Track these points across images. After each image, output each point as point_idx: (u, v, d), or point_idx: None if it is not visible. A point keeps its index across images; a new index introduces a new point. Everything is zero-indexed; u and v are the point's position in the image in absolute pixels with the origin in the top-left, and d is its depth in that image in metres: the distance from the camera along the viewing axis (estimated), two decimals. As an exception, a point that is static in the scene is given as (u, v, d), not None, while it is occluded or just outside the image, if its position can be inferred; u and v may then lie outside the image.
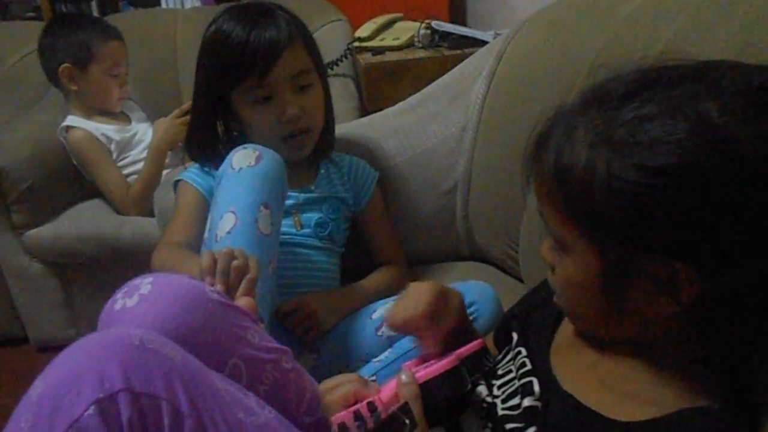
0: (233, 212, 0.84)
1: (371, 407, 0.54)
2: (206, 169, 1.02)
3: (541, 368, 0.56)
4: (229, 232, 0.82)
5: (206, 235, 0.89)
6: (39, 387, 0.52)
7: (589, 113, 0.48)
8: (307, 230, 1.02)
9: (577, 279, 0.50)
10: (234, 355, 0.65)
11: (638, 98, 0.46)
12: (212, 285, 0.71)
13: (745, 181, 0.42)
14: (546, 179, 0.50)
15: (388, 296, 0.99)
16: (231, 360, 0.64)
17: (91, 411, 0.50)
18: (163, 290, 0.63)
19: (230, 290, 0.73)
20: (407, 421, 0.52)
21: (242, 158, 0.88)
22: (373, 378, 0.83)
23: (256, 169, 0.87)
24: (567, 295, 0.54)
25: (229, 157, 0.90)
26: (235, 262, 0.73)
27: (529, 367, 0.57)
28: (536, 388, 0.54)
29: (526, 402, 0.53)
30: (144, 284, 0.63)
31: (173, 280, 0.65)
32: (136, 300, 0.62)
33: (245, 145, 0.91)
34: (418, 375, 0.56)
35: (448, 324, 0.63)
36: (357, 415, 0.55)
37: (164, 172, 1.57)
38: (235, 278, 0.73)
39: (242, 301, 0.71)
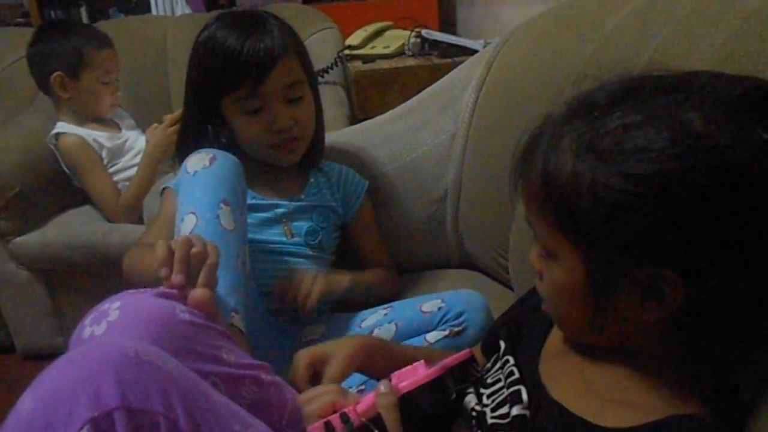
0: (193, 213, 0.83)
1: (344, 418, 0.54)
2: None
3: (530, 376, 0.56)
4: (191, 232, 0.82)
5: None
6: (29, 402, 0.50)
7: (575, 122, 0.48)
8: (297, 239, 1.02)
9: (564, 285, 0.51)
10: (210, 375, 0.63)
11: (623, 107, 0.46)
12: (168, 277, 0.69)
13: (727, 188, 0.43)
14: (533, 187, 0.50)
15: (380, 294, 1.00)
16: (207, 379, 0.62)
17: (86, 430, 0.48)
18: (131, 317, 0.61)
19: (191, 279, 0.70)
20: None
21: (196, 162, 0.88)
22: (362, 387, 0.83)
23: (210, 170, 0.87)
24: (554, 301, 0.54)
25: (183, 163, 0.90)
26: (193, 249, 0.71)
27: (517, 375, 0.57)
28: (524, 396, 0.54)
29: (515, 411, 0.53)
30: (112, 310, 0.62)
31: (141, 304, 0.63)
32: (104, 328, 0.61)
33: (198, 150, 0.91)
34: (402, 385, 0.56)
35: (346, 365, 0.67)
36: (328, 427, 0.55)
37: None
38: (195, 265, 0.71)
39: (196, 293, 0.69)
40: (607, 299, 0.48)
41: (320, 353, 0.69)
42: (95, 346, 0.54)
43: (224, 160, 0.89)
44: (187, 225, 0.83)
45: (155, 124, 1.58)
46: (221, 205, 0.84)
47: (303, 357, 0.69)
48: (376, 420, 0.54)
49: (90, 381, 0.49)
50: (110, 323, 0.61)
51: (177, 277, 0.69)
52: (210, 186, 0.86)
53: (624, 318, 0.48)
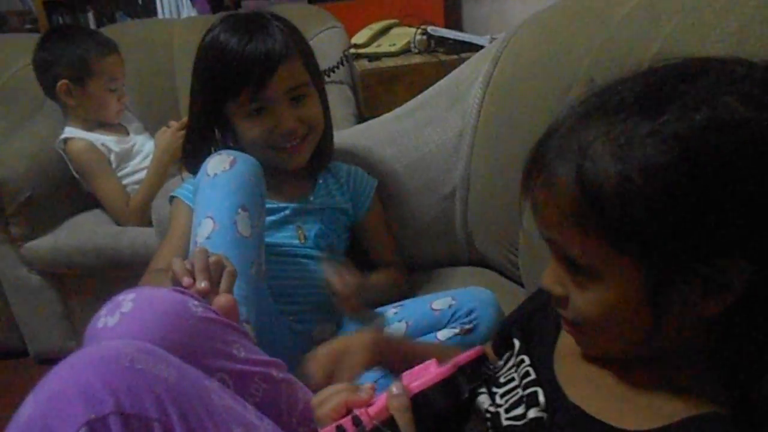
0: (211, 217, 0.83)
1: (356, 421, 0.54)
2: None
3: (546, 378, 0.55)
4: (208, 237, 0.82)
5: (191, 245, 0.88)
6: (29, 407, 0.52)
7: (601, 125, 0.45)
8: (307, 241, 1.01)
9: (615, 303, 0.47)
10: (219, 371, 0.64)
11: (653, 102, 0.44)
12: (190, 286, 0.69)
13: None
14: (562, 203, 0.46)
15: (389, 297, 1.00)
16: (216, 375, 0.64)
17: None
18: (144, 308, 0.63)
19: (213, 286, 0.71)
20: None
21: (216, 164, 0.88)
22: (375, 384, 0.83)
23: (230, 173, 0.87)
24: (601, 325, 0.49)
25: (204, 164, 0.90)
26: (211, 258, 0.72)
27: (533, 376, 0.55)
28: (541, 398, 0.53)
29: (532, 413, 0.52)
30: (126, 302, 0.63)
31: (155, 297, 0.64)
32: (117, 318, 0.62)
33: (220, 152, 0.91)
34: (413, 385, 0.56)
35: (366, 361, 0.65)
36: (340, 429, 0.54)
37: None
38: (216, 273, 0.72)
39: (222, 299, 0.69)
40: (667, 305, 0.45)
41: (334, 351, 0.66)
42: (91, 351, 0.55)
43: (244, 163, 0.89)
44: (204, 229, 0.83)
45: (164, 128, 1.58)
46: (239, 210, 0.84)
47: (319, 360, 0.66)
48: (389, 422, 0.53)
49: (86, 386, 0.51)
50: (123, 314, 0.62)
51: (202, 284, 0.69)
52: (229, 190, 0.85)
53: (679, 321, 0.46)
